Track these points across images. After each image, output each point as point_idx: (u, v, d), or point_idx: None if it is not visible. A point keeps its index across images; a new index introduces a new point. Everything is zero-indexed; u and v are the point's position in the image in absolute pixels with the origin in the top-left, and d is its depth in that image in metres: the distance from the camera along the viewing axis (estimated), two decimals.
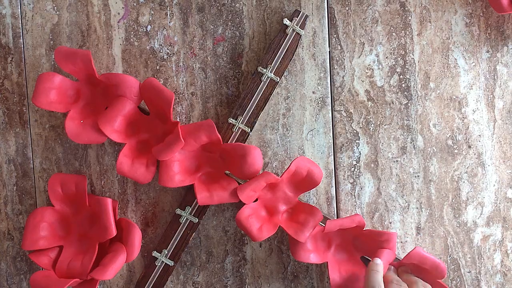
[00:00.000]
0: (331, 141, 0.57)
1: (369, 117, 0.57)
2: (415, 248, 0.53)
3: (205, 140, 0.53)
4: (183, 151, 0.54)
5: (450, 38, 0.57)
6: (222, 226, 0.58)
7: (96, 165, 0.58)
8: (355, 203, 0.58)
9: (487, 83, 0.57)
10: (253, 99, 0.55)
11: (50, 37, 0.57)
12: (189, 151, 0.55)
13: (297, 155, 0.57)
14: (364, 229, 0.55)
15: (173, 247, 0.56)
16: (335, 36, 0.57)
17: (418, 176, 0.57)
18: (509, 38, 0.57)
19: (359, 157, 0.57)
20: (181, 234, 0.56)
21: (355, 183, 0.57)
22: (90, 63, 0.53)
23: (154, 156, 0.53)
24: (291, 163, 0.53)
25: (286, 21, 0.54)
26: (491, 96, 0.57)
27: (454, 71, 0.57)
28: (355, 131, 0.57)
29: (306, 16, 0.55)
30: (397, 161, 0.57)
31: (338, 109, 0.57)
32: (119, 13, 0.57)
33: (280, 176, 0.53)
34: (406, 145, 0.57)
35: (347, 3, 0.57)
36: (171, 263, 0.57)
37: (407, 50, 0.57)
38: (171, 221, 0.57)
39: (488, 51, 0.57)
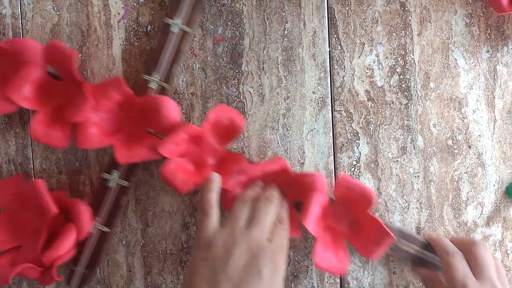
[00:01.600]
0: (331, 141, 0.57)
1: (369, 117, 0.57)
2: (341, 175, 0.53)
3: (117, 97, 0.53)
4: (100, 112, 0.54)
5: (450, 38, 0.57)
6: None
7: (96, 165, 0.58)
8: None
9: (487, 83, 0.57)
10: (165, 52, 0.54)
11: (50, 37, 0.57)
12: (106, 112, 0.54)
13: (297, 155, 0.57)
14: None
15: (106, 214, 0.56)
16: (335, 36, 0.57)
17: (418, 176, 0.57)
18: (509, 38, 0.57)
19: (359, 157, 0.57)
20: (112, 199, 0.56)
21: None
22: None
23: (67, 118, 0.53)
24: (209, 112, 0.53)
25: None
26: (491, 96, 0.57)
27: (454, 71, 0.57)
28: (355, 131, 0.57)
29: None
30: (397, 161, 0.57)
31: (338, 109, 0.57)
32: (119, 13, 0.57)
33: (201, 126, 0.53)
34: (406, 145, 0.57)
35: (347, 3, 0.57)
36: (106, 229, 0.56)
37: (407, 50, 0.57)
38: (98, 187, 0.56)
39: (488, 51, 0.57)
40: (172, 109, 0.53)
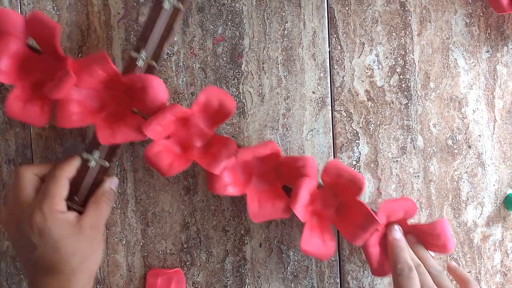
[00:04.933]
0: (331, 141, 0.57)
1: (369, 117, 0.57)
2: (331, 161, 0.53)
3: (101, 74, 0.50)
4: (82, 90, 0.51)
5: (450, 38, 0.57)
6: (222, 226, 0.58)
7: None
8: None
9: (487, 83, 0.57)
10: (155, 29, 0.52)
11: None
12: (89, 90, 0.52)
13: (297, 155, 0.57)
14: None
15: (85, 194, 0.54)
16: (335, 36, 0.57)
17: (418, 176, 0.57)
18: (509, 38, 0.57)
19: (359, 157, 0.57)
20: (92, 179, 0.54)
21: None
22: None
23: (46, 95, 0.50)
24: (199, 94, 0.51)
25: None
26: (491, 96, 0.57)
27: (454, 71, 0.57)
28: (355, 131, 0.57)
29: None
30: (397, 161, 0.57)
31: (338, 109, 0.57)
32: (119, 13, 0.57)
33: (190, 108, 0.52)
34: (406, 145, 0.57)
35: (347, 3, 0.57)
36: (81, 209, 0.54)
37: (407, 50, 0.57)
38: (80, 167, 0.54)
39: (488, 51, 0.57)
40: (159, 89, 0.50)
